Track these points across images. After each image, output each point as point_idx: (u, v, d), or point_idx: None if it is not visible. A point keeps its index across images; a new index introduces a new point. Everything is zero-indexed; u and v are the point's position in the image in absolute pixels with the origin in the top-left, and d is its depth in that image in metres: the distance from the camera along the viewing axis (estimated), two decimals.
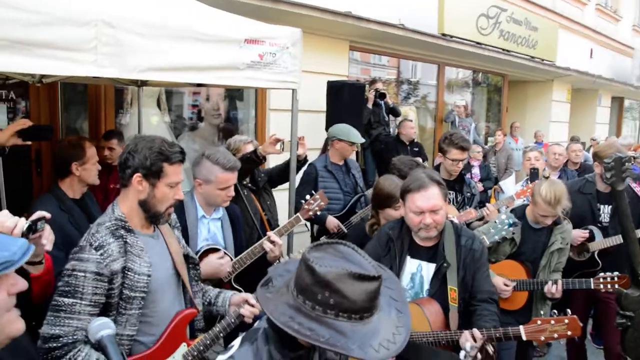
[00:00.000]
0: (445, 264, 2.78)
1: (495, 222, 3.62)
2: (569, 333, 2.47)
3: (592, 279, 3.59)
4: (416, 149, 7.44)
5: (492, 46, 9.56)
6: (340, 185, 4.95)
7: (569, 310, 2.56)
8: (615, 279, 3.52)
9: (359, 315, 1.45)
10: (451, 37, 8.58)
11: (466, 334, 2.57)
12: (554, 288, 3.58)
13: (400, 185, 3.43)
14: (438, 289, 2.78)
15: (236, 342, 1.65)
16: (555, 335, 2.48)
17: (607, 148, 4.33)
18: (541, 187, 3.58)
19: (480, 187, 7.91)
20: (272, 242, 3.32)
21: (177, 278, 2.48)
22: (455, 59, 9.92)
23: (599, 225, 4.25)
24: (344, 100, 6.36)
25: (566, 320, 2.48)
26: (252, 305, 2.54)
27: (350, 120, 5.61)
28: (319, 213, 3.67)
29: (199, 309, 2.57)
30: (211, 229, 3.28)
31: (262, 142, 6.63)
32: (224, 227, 3.34)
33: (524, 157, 6.14)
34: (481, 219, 4.15)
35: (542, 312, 3.79)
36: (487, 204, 4.32)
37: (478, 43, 9.18)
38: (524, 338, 2.51)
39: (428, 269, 2.84)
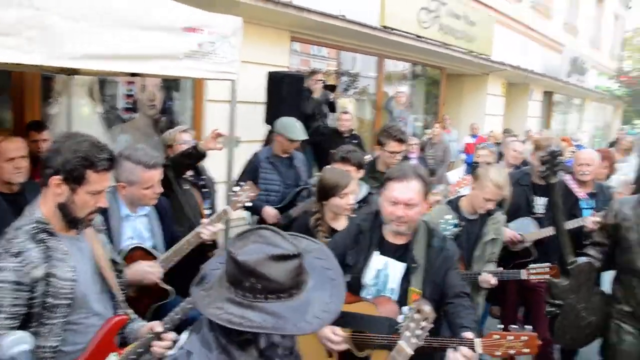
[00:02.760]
0: (414, 265, 2.68)
1: (440, 221, 3.67)
2: (526, 350, 2.35)
3: (524, 270, 3.70)
4: (355, 141, 7.45)
5: (432, 39, 9.71)
6: (281, 178, 4.89)
7: (529, 327, 2.52)
8: (546, 269, 3.63)
9: (288, 293, 1.50)
10: (392, 29, 8.65)
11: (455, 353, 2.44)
12: (489, 277, 3.65)
13: (346, 175, 3.44)
14: (403, 290, 2.68)
15: (184, 335, 1.68)
16: (512, 352, 2.37)
17: (543, 142, 4.46)
18: (489, 171, 3.65)
19: None
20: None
21: (103, 283, 2.33)
22: (395, 52, 10.00)
23: (533, 216, 4.36)
24: (284, 92, 6.31)
25: (524, 337, 2.36)
26: (161, 338, 2.34)
27: (290, 111, 5.57)
28: (249, 204, 3.59)
29: (129, 315, 2.43)
30: (137, 227, 3.13)
31: (198, 134, 6.57)
32: (152, 223, 3.21)
33: (475, 154, 6.23)
34: None
35: (478, 301, 3.87)
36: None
37: (418, 36, 9.31)
38: (480, 352, 2.46)
39: (395, 268, 2.74)
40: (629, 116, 23.20)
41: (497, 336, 2.38)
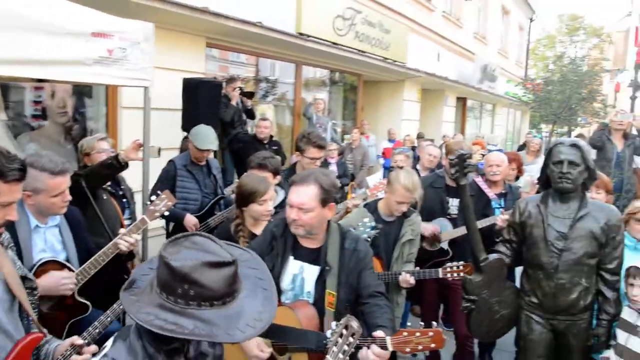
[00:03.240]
0: (327, 268, 2.71)
1: (358, 224, 3.72)
2: (433, 345, 2.46)
3: (440, 269, 3.82)
4: (274, 148, 7.46)
5: (348, 47, 9.87)
6: (199, 186, 4.81)
7: (434, 323, 2.61)
8: (461, 267, 3.77)
9: (221, 301, 1.50)
10: (308, 36, 8.72)
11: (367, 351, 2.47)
12: (408, 276, 3.75)
13: (264, 181, 3.43)
14: (320, 293, 2.72)
15: (109, 342, 1.63)
16: (420, 347, 2.46)
17: (453, 145, 4.63)
18: (399, 175, 3.74)
19: (337, 183, 8.14)
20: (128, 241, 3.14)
21: (13, 302, 2.19)
22: (312, 58, 10.09)
23: (448, 217, 4.50)
24: (201, 98, 6.21)
25: (431, 333, 2.46)
26: (80, 352, 2.25)
27: (206, 118, 5.51)
28: (166, 213, 3.51)
29: (45, 333, 2.29)
30: (48, 238, 2.97)
31: (115, 142, 6.35)
32: (64, 234, 3.05)
33: (392, 158, 6.34)
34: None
35: (398, 301, 3.96)
36: (345, 201, 4.44)
37: (334, 43, 9.43)
38: (390, 349, 2.50)
39: (310, 271, 2.76)
40: (536, 121, 24.50)
41: (406, 333, 2.46)
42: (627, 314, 3.18)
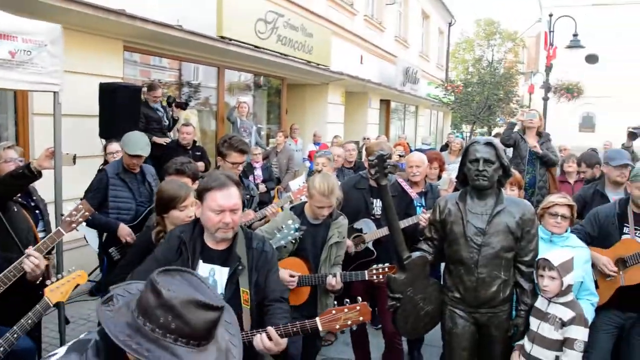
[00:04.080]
0: (240, 267, 2.73)
1: (282, 227, 3.70)
2: (361, 319, 2.57)
3: (366, 271, 3.85)
4: (198, 153, 7.32)
5: (271, 50, 9.83)
6: (133, 195, 4.66)
7: (359, 298, 2.69)
8: (386, 269, 3.81)
9: (197, 342, 1.49)
10: (230, 40, 8.61)
11: (262, 334, 2.57)
12: (333, 281, 3.77)
13: (184, 186, 3.37)
14: (233, 293, 2.73)
15: (60, 351, 1.60)
16: (349, 322, 2.57)
17: (374, 146, 4.69)
18: (315, 180, 3.75)
19: (263, 188, 8.10)
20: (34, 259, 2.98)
21: None
22: (234, 62, 9.99)
23: (372, 217, 4.52)
24: (119, 104, 6.00)
25: (358, 307, 2.57)
26: None
27: (126, 124, 5.33)
28: (84, 225, 3.37)
29: None
30: None
31: (26, 151, 6.02)
32: None
33: (314, 161, 6.34)
34: (262, 218, 4.22)
35: (327, 304, 3.96)
36: (270, 205, 4.40)
37: (257, 47, 9.36)
38: (321, 329, 2.58)
39: (221, 273, 2.76)
40: (457, 121, 25.35)
41: (334, 311, 2.57)
42: (539, 302, 3.32)
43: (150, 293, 1.49)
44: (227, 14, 8.57)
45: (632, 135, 5.61)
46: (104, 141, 6.11)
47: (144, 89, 7.33)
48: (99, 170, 4.66)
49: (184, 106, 7.68)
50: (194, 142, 7.58)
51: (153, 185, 4.80)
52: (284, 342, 2.56)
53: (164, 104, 7.74)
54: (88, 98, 6.17)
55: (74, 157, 4.11)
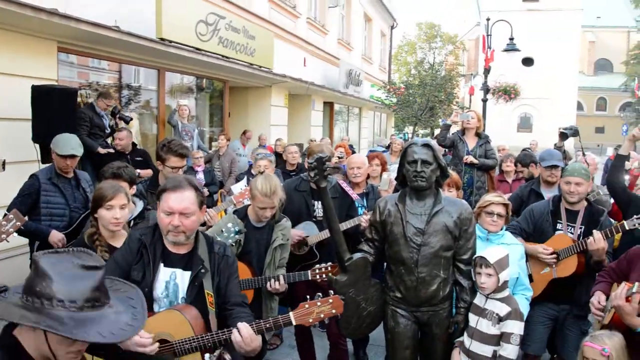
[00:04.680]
0: (203, 270, 2.72)
1: (222, 230, 3.66)
2: (334, 311, 2.60)
3: (309, 271, 3.86)
4: (139, 158, 7.12)
5: (212, 52, 9.70)
6: (67, 200, 4.50)
7: (331, 291, 2.71)
8: (328, 268, 3.83)
9: (78, 306, 1.50)
10: (170, 42, 8.45)
11: (235, 331, 2.53)
12: (276, 284, 3.75)
13: (115, 187, 3.30)
14: (195, 296, 2.71)
15: None
16: (322, 315, 2.58)
17: (314, 148, 4.70)
18: (257, 181, 3.75)
19: (205, 192, 7.98)
20: None
21: None
22: (175, 65, 9.80)
23: (314, 219, 4.54)
24: (53, 107, 5.77)
25: (330, 300, 2.59)
26: None
27: (61, 128, 5.13)
28: (15, 235, 3.25)
29: None
30: None
31: None
32: None
33: (254, 164, 6.29)
34: (203, 224, 4.16)
35: (272, 307, 3.95)
36: (208, 209, 4.33)
37: (198, 49, 9.22)
38: (294, 323, 2.57)
39: (183, 277, 2.75)
40: (399, 123, 25.78)
41: (307, 305, 2.58)
42: (477, 299, 3.41)
43: (32, 269, 1.53)
44: (166, 16, 8.40)
45: (563, 136, 5.85)
46: (37, 146, 5.88)
47: (88, 93, 7.14)
48: (30, 176, 4.47)
49: (127, 120, 7.51)
50: (134, 145, 7.40)
51: (88, 191, 4.65)
52: (258, 338, 2.54)
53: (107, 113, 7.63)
54: (19, 101, 5.92)
55: (3, 163, 3.96)
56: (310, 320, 2.58)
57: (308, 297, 2.68)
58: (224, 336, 2.57)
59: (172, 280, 2.74)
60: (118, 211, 3.24)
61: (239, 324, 2.55)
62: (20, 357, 1.56)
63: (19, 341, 1.59)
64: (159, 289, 2.72)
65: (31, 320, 1.47)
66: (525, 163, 6.85)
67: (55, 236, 4.27)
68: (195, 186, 2.72)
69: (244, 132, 11.53)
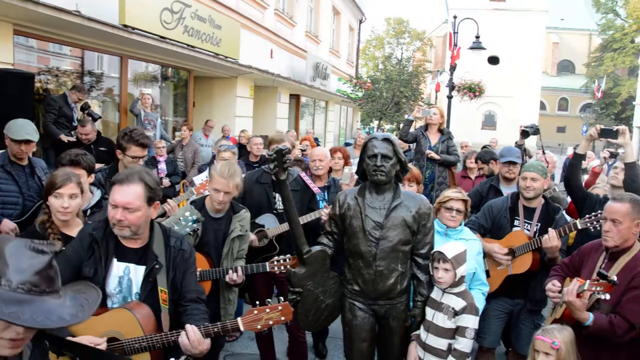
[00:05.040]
0: (157, 266, 2.66)
1: (180, 219, 3.63)
2: (283, 318, 2.59)
3: (267, 263, 3.85)
4: (103, 148, 6.96)
5: (177, 41, 9.55)
6: (20, 188, 4.36)
7: (281, 298, 2.69)
8: (287, 260, 3.82)
9: (20, 288, 1.50)
10: (133, 29, 8.28)
11: (183, 333, 2.50)
12: (234, 276, 3.74)
13: (68, 175, 3.23)
14: (149, 292, 2.66)
15: None
16: (271, 322, 2.57)
17: (275, 140, 4.68)
18: (217, 165, 3.81)
19: (167, 182, 7.88)
20: None
21: None
22: (139, 52, 9.63)
23: (275, 212, 4.51)
24: (9, 92, 5.59)
25: (280, 307, 2.59)
26: None
27: (17, 113, 4.97)
28: None
29: None
30: None
31: None
32: None
33: (217, 156, 6.23)
34: (163, 214, 4.10)
35: (230, 298, 3.93)
36: (168, 199, 4.28)
37: (162, 37, 9.07)
38: (242, 329, 2.56)
39: (136, 272, 2.69)
40: (364, 117, 25.91)
41: (256, 311, 2.58)
42: (434, 293, 3.45)
43: None
44: (130, 2, 8.21)
45: (524, 134, 5.95)
46: None
47: (44, 81, 6.97)
48: None
49: (96, 117, 7.39)
50: (99, 134, 7.24)
51: (43, 179, 4.53)
52: (207, 342, 2.51)
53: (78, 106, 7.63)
54: None
55: None
56: (259, 327, 2.58)
57: (257, 303, 2.68)
58: (172, 338, 2.53)
59: (125, 276, 2.69)
60: (66, 200, 3.16)
61: (187, 327, 2.52)
62: None
63: None
64: (111, 285, 2.67)
65: None
66: (486, 160, 6.96)
67: (7, 225, 4.14)
68: (146, 181, 2.64)
69: (206, 122, 11.40)
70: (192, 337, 2.48)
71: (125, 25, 8.12)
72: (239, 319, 2.55)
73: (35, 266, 1.53)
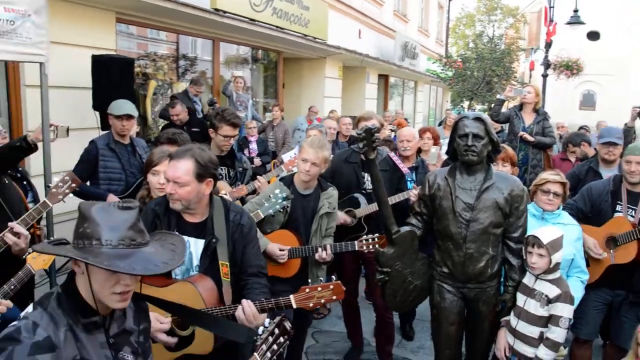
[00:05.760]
0: (214, 240, 2.74)
1: (270, 196, 3.69)
2: (334, 297, 2.61)
3: (356, 242, 3.85)
4: (195, 129, 7.22)
5: (266, 23, 9.70)
6: (123, 165, 4.64)
7: (333, 277, 2.72)
8: (376, 239, 3.81)
9: (121, 243, 1.59)
10: (224, 12, 8.50)
11: (239, 307, 2.57)
12: (324, 254, 3.77)
13: (164, 152, 3.37)
14: (209, 265, 2.75)
15: (29, 308, 1.68)
16: (322, 301, 2.60)
17: (363, 117, 4.66)
18: (308, 138, 3.76)
19: (258, 161, 8.08)
20: (16, 233, 2.98)
21: None
22: (229, 35, 9.87)
23: (363, 191, 4.49)
24: (112, 76, 5.92)
25: (331, 286, 2.59)
26: None
27: (119, 95, 5.25)
28: (70, 195, 3.37)
29: None
30: None
31: (19, 123, 5.99)
32: None
33: (306, 134, 6.30)
34: (254, 192, 4.20)
35: (319, 276, 3.97)
36: (257, 177, 4.38)
37: (251, 19, 9.23)
38: (294, 306, 2.60)
39: (197, 246, 2.78)
40: (455, 97, 25.25)
41: (308, 289, 2.60)
42: (526, 279, 3.32)
43: (78, 216, 1.64)
44: None
45: None
46: (97, 114, 6.06)
47: (144, 65, 7.32)
48: (89, 142, 4.63)
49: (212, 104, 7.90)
50: (192, 116, 7.51)
51: (144, 157, 4.78)
52: (262, 316, 2.56)
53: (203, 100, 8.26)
54: (80, 70, 6.10)
55: (67, 129, 4.11)
56: (311, 305, 2.60)
57: (334, 277, 2.69)
58: (231, 311, 2.60)
59: (187, 249, 2.75)
60: (163, 177, 3.29)
61: (243, 301, 2.58)
62: (75, 299, 1.66)
63: (76, 286, 1.68)
64: None
65: (69, 252, 1.59)
66: (576, 142, 6.58)
67: (112, 199, 4.41)
68: (197, 158, 2.68)
69: (310, 108, 11.41)
70: (248, 311, 2.55)
71: (216, 9, 8.35)
72: (291, 296, 2.59)
73: (128, 221, 1.62)
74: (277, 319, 2.16)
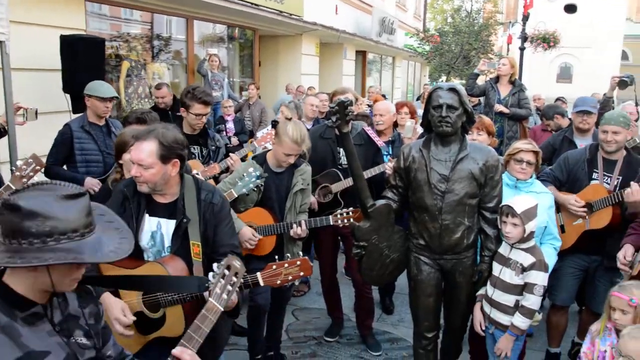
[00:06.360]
0: (185, 220, 2.70)
1: (243, 175, 3.66)
2: (302, 274, 2.57)
3: (330, 216, 3.84)
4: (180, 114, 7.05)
5: (241, 0, 9.54)
6: (99, 147, 4.56)
7: (300, 253, 2.69)
8: (350, 213, 3.81)
9: (80, 233, 1.52)
10: None
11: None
12: (299, 230, 3.76)
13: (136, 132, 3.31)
14: (180, 245, 2.70)
15: None
16: (290, 277, 2.55)
17: (337, 92, 4.62)
18: (287, 127, 3.71)
19: (235, 141, 8.00)
20: None
21: None
22: (203, 13, 9.68)
23: (339, 167, 4.48)
24: (82, 57, 5.76)
25: (298, 262, 2.55)
26: None
27: (90, 77, 5.13)
28: (35, 178, 3.29)
29: None
30: None
31: None
32: None
33: (280, 110, 6.21)
34: (227, 169, 4.16)
35: (294, 252, 3.95)
36: (230, 154, 4.33)
37: None
38: (262, 284, 2.56)
39: (168, 226, 2.74)
40: (433, 72, 25.21)
41: (275, 266, 2.56)
42: (502, 248, 3.34)
43: (9, 213, 1.47)
44: None
45: (622, 84, 5.47)
46: (67, 96, 5.92)
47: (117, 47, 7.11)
48: (63, 126, 4.54)
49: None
50: (175, 101, 7.33)
51: None
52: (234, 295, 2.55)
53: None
54: (49, 51, 5.94)
55: (36, 112, 4.02)
56: (278, 282, 2.56)
57: (300, 253, 2.66)
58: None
59: (158, 230, 2.75)
60: None
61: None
62: (8, 295, 1.56)
63: (8, 285, 1.57)
64: (145, 239, 2.74)
65: (47, 259, 1.45)
66: (549, 116, 6.61)
67: (90, 182, 4.33)
68: (160, 139, 2.61)
69: (297, 87, 11.23)
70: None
71: None
72: (258, 273, 2.55)
73: (84, 209, 1.56)
74: (225, 260, 2.13)
